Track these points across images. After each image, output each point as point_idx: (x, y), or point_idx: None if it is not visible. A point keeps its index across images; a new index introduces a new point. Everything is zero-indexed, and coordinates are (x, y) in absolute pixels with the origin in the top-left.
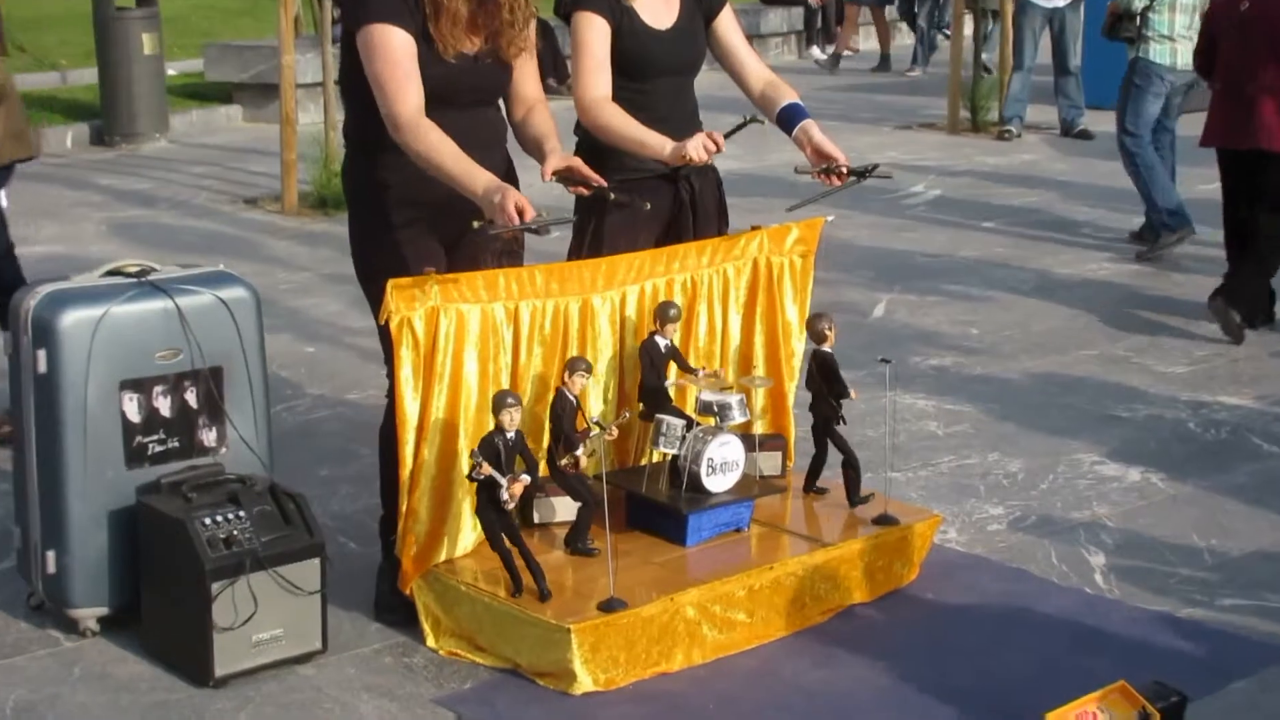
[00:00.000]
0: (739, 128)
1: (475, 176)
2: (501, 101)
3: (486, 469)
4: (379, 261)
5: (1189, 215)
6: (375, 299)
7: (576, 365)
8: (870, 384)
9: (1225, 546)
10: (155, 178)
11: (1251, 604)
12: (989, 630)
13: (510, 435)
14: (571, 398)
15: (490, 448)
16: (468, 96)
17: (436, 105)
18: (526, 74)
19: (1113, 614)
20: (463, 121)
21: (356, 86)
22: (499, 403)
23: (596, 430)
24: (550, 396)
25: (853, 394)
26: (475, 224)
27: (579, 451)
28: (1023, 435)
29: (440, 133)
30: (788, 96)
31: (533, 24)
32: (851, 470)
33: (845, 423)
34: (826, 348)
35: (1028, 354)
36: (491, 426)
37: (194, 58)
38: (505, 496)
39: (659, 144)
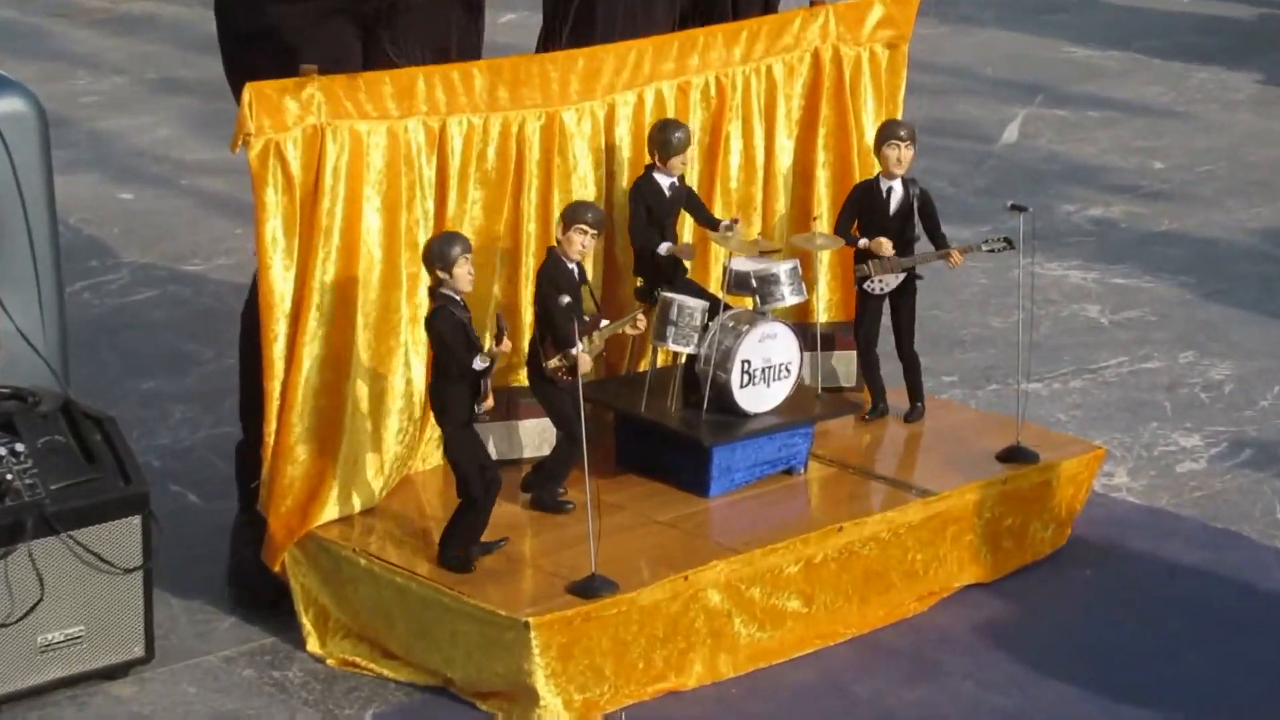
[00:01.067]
0: None
1: None
2: None
3: (484, 358)
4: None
5: None
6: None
7: (580, 214)
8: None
9: None
10: None
11: None
12: (1177, 629)
13: (459, 300)
14: (571, 265)
15: (450, 321)
16: None
17: None
18: None
19: None
20: None
21: None
22: (446, 251)
23: (600, 326)
24: (495, 264)
25: (954, 256)
26: None
27: (579, 349)
28: (1233, 324)
29: None
30: None
31: None
32: (910, 373)
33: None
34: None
35: (1239, 198)
36: (409, 305)
37: None
38: (481, 410)
39: None
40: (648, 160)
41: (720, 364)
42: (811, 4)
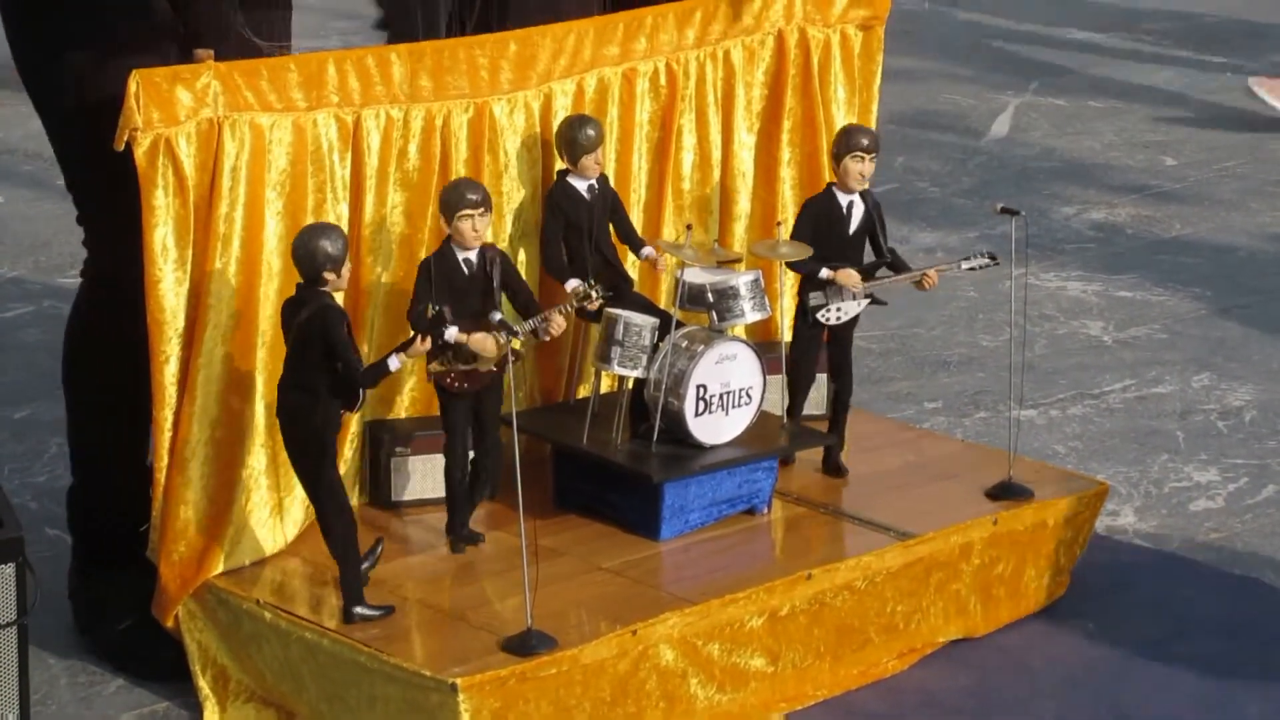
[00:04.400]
0: None
1: None
2: None
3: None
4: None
5: None
6: (63, 123)
7: (463, 195)
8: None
9: None
10: None
11: None
12: (1194, 687)
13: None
14: (468, 258)
15: (336, 317)
16: None
17: None
18: None
19: None
20: None
21: None
22: (323, 250)
23: (502, 335)
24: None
25: (929, 277)
26: None
27: (478, 337)
28: (1253, 343)
29: None
30: None
31: None
32: (837, 402)
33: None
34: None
35: (1263, 199)
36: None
37: None
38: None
39: None
40: (561, 165)
41: (672, 389)
42: None
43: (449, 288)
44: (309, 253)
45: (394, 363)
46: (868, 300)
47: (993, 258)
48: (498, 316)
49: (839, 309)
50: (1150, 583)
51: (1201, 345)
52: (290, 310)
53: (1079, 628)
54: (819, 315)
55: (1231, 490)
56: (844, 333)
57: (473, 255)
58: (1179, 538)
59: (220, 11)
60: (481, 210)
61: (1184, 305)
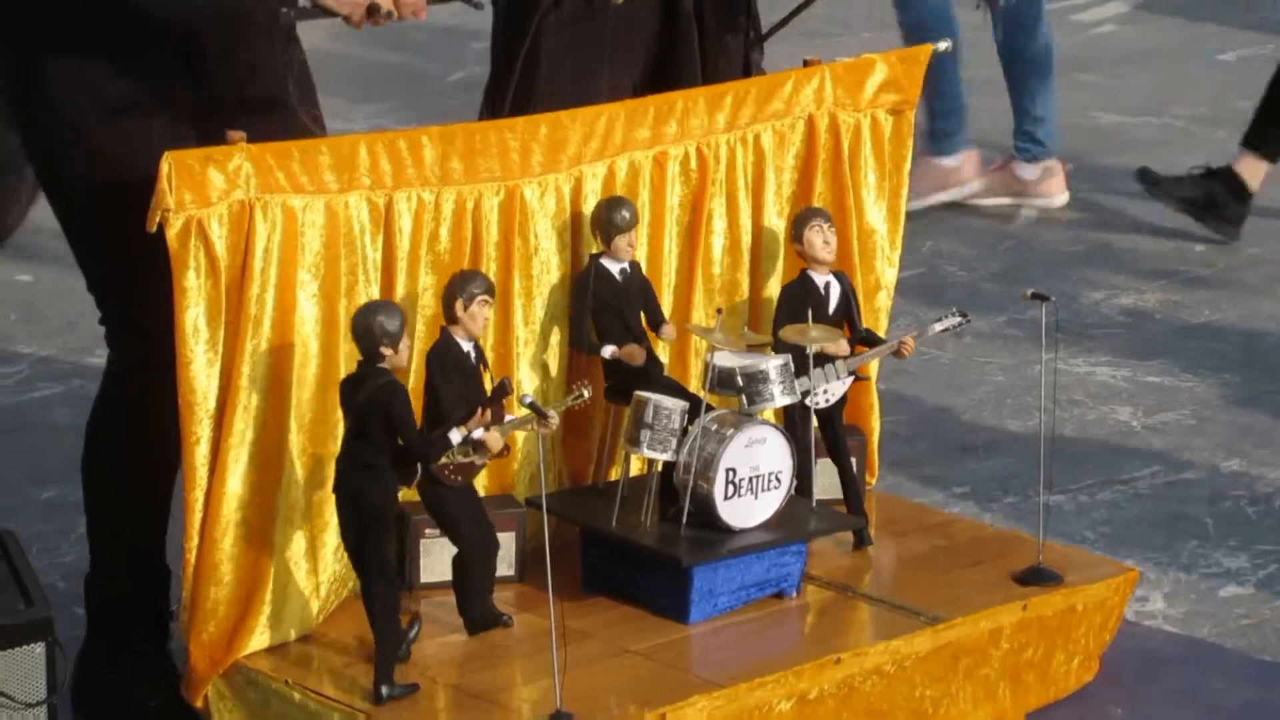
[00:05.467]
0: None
1: None
2: None
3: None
4: (85, 149)
5: None
6: (73, 210)
7: (466, 286)
8: (1006, 337)
9: None
10: None
11: None
12: None
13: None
14: (463, 345)
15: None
16: None
17: None
18: None
19: None
20: None
21: None
22: (382, 328)
23: (524, 412)
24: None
25: (907, 344)
26: (284, 9)
27: (476, 434)
28: None
29: None
30: None
31: None
32: (845, 482)
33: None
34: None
35: None
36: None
37: None
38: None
39: None
40: (597, 248)
41: (702, 473)
42: (805, 64)
43: (460, 375)
44: (366, 330)
45: (455, 436)
46: (851, 378)
47: (964, 316)
48: (529, 399)
49: (825, 391)
50: (1180, 669)
51: (1230, 431)
52: (349, 389)
53: (1109, 714)
54: (807, 400)
55: (1262, 576)
56: (833, 413)
57: (471, 347)
58: (1209, 624)
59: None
60: (490, 304)
61: (1213, 391)
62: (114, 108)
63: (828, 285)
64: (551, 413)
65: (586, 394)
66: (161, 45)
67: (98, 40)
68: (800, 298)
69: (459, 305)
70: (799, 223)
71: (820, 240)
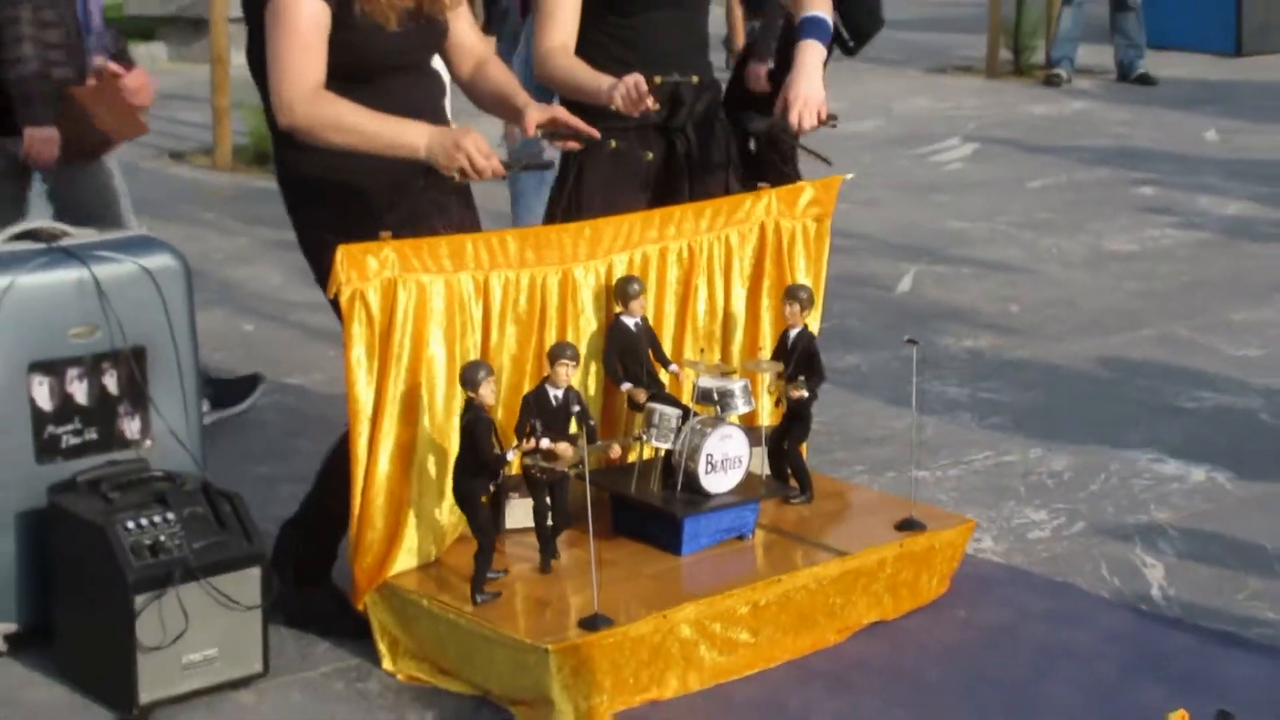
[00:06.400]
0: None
1: (410, 131)
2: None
3: (497, 449)
4: (324, 229)
5: None
6: (324, 272)
7: (561, 352)
8: (894, 369)
9: None
10: None
11: None
12: (1029, 655)
13: (484, 415)
14: (556, 394)
15: (482, 423)
16: (407, 60)
17: (371, 80)
18: (464, 25)
19: (1171, 635)
20: (402, 88)
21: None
22: (473, 376)
23: (592, 432)
24: (524, 383)
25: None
26: (449, 175)
27: (555, 463)
28: (1070, 428)
29: (346, 101)
30: (811, 6)
31: None
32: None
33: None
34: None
35: (1077, 335)
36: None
37: None
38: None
39: (595, 88)
40: (616, 308)
41: (690, 456)
42: (758, 188)
43: (542, 413)
44: (465, 379)
45: (510, 455)
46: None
47: (780, 374)
48: (590, 429)
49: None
50: (1002, 587)
51: (1036, 429)
52: (461, 414)
53: (955, 614)
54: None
55: (1055, 525)
56: (798, 412)
57: (560, 392)
58: (1021, 557)
59: (417, 212)
60: (575, 363)
61: (1025, 403)
62: (341, 217)
63: (796, 335)
64: (614, 444)
65: (617, 449)
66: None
67: (337, 192)
68: (782, 345)
69: (552, 364)
70: (785, 296)
71: (789, 311)
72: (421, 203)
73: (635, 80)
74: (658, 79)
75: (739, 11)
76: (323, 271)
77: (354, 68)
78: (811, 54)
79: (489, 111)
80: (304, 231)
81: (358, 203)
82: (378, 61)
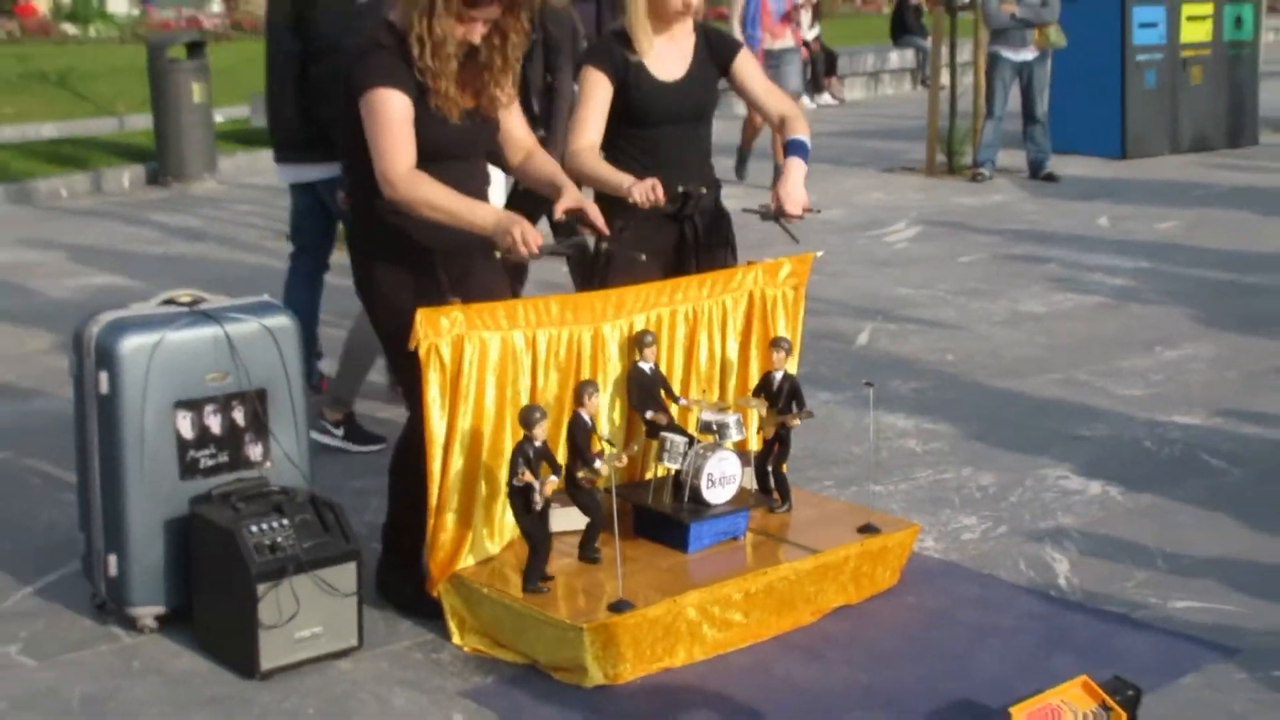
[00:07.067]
0: (765, 215)
1: (481, 212)
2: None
3: (526, 476)
4: (394, 298)
5: None
6: (388, 334)
7: (587, 388)
8: (855, 405)
9: (1178, 553)
10: (205, 215)
11: (1201, 606)
12: (963, 631)
13: (538, 444)
14: (587, 419)
15: (522, 455)
16: (466, 150)
17: (434, 161)
18: (515, 122)
19: (1075, 615)
20: (458, 172)
21: (361, 149)
22: (529, 417)
23: (609, 451)
24: (565, 417)
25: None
26: (497, 253)
27: (596, 465)
28: (994, 452)
29: (435, 180)
30: (794, 132)
31: (512, 75)
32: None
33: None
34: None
35: (999, 378)
36: (511, 443)
37: (241, 105)
38: (537, 499)
39: (617, 184)
40: (635, 356)
41: (694, 474)
42: (747, 264)
43: (580, 433)
44: (524, 420)
45: (554, 477)
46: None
47: (769, 409)
48: (610, 452)
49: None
50: (940, 578)
51: (967, 453)
52: (517, 445)
53: (905, 599)
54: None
55: (982, 529)
56: (782, 437)
57: (589, 419)
58: (956, 554)
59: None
60: (598, 395)
61: (958, 432)
62: (403, 290)
63: (780, 378)
64: (623, 454)
65: (635, 448)
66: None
67: (410, 255)
68: (768, 385)
69: (584, 398)
70: (771, 345)
71: (774, 357)
72: (473, 267)
73: (653, 183)
74: (679, 188)
75: (757, 122)
76: (380, 321)
77: (420, 153)
78: (796, 166)
79: (537, 190)
80: (373, 293)
81: (425, 267)
82: (440, 149)
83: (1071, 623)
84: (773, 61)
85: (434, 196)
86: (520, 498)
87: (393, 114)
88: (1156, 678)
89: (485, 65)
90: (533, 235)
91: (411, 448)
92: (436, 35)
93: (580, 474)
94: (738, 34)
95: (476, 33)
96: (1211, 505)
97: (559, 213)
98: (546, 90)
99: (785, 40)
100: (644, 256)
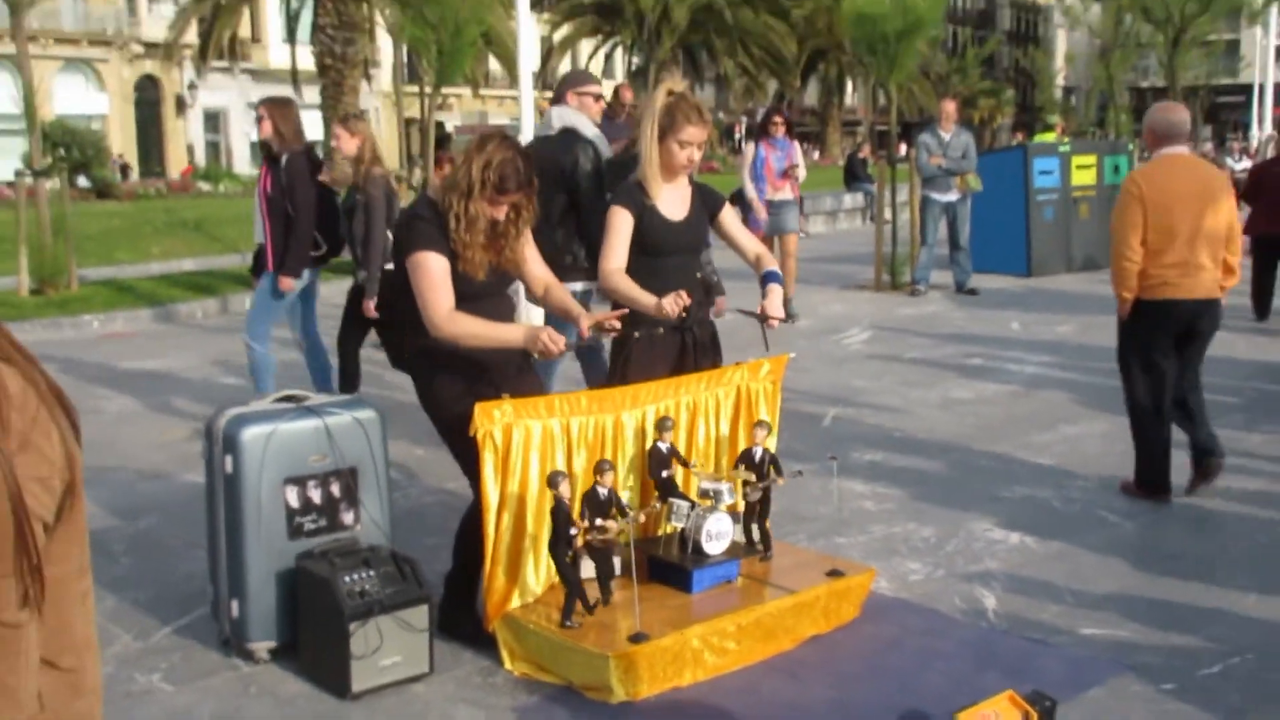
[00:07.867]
0: (756, 318)
1: (510, 332)
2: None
3: (582, 522)
4: (452, 400)
5: None
6: (449, 427)
7: (602, 466)
8: (821, 474)
9: (1083, 590)
10: None
11: (1103, 632)
12: (912, 654)
13: (566, 499)
14: (601, 492)
15: (564, 513)
16: (492, 291)
17: (468, 301)
18: (532, 259)
19: (1002, 640)
20: (488, 307)
21: (411, 302)
22: (554, 481)
23: (631, 511)
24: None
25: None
26: (535, 356)
27: (607, 535)
28: (933, 510)
29: (470, 316)
30: (768, 264)
31: (526, 233)
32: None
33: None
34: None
35: (936, 452)
36: (550, 504)
37: None
38: (570, 550)
39: (646, 301)
40: (655, 437)
41: (696, 531)
42: (735, 364)
43: (594, 504)
44: (550, 482)
45: (573, 531)
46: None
47: (755, 478)
48: (628, 509)
49: (746, 495)
50: (892, 610)
51: (913, 511)
52: (551, 508)
53: (865, 629)
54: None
55: (925, 572)
56: (765, 498)
57: (606, 490)
58: (906, 592)
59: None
60: (612, 471)
61: (905, 494)
62: (458, 393)
63: (761, 453)
64: (640, 514)
65: (655, 507)
66: (483, 368)
67: (460, 364)
68: (750, 458)
69: (601, 474)
70: (754, 426)
71: (757, 435)
72: (510, 372)
73: (679, 294)
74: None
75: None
76: (441, 418)
77: (458, 296)
78: (775, 289)
79: (556, 315)
80: (434, 398)
81: (477, 374)
82: (472, 294)
83: (999, 647)
84: (774, 209)
85: (472, 329)
86: (558, 549)
87: (434, 272)
88: (1069, 691)
89: (503, 234)
90: (558, 337)
91: (474, 514)
92: (470, 214)
93: (590, 536)
94: (747, 185)
95: (501, 212)
96: (1109, 551)
97: (585, 331)
98: (365, 238)
99: (784, 193)
100: (637, 334)
